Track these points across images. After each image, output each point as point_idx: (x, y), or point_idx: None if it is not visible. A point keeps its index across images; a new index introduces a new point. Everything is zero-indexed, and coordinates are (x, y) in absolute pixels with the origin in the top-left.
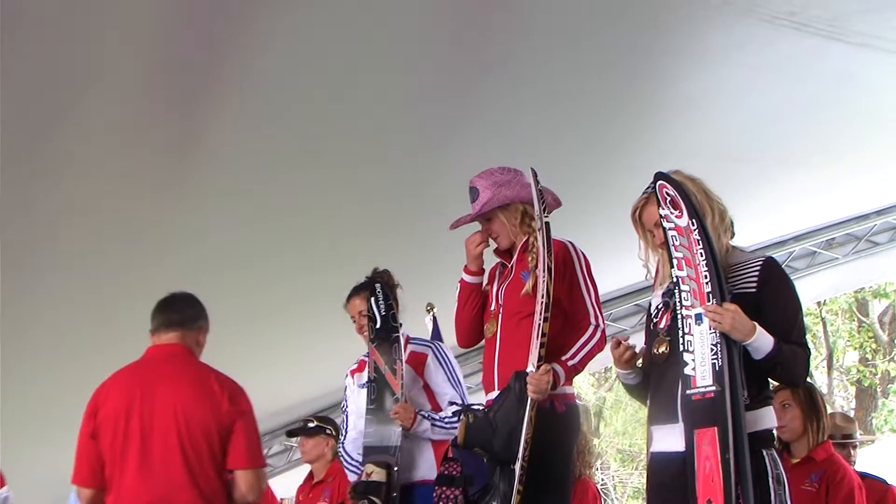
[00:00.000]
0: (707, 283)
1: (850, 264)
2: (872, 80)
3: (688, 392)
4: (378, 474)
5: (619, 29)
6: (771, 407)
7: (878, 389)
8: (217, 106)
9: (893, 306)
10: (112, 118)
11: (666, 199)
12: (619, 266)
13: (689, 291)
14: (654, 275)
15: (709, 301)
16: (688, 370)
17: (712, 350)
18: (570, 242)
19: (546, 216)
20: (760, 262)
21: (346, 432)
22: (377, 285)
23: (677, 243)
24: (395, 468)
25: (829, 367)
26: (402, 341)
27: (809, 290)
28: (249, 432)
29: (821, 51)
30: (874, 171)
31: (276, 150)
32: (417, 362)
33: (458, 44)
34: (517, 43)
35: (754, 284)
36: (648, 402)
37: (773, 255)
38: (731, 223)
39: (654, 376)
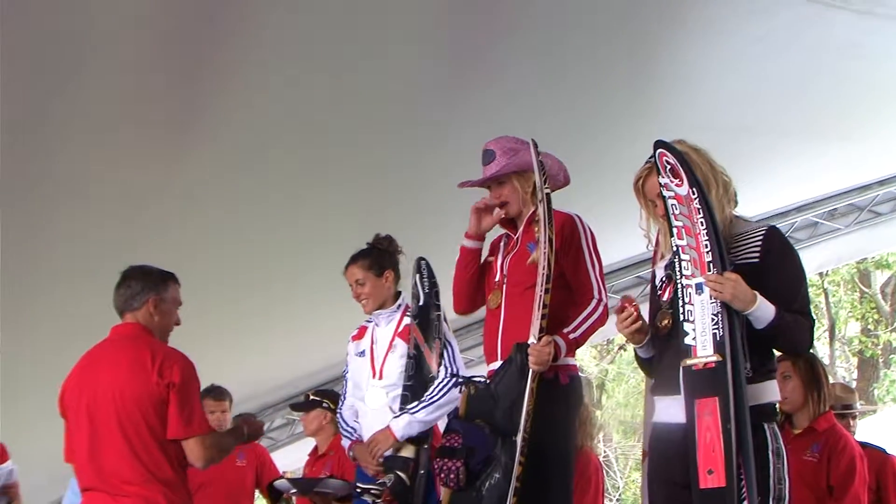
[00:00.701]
0: (708, 253)
1: (853, 234)
2: (877, 48)
3: (689, 362)
4: (408, 450)
5: (621, 2)
6: (774, 381)
7: (880, 360)
8: (217, 80)
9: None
10: (111, 91)
11: (666, 167)
12: (621, 238)
13: (689, 261)
14: (654, 245)
15: (709, 270)
16: (688, 340)
17: (713, 320)
18: (577, 216)
19: (547, 189)
20: (763, 232)
21: (345, 399)
22: (423, 262)
23: (677, 212)
24: (426, 446)
25: (832, 337)
26: (442, 319)
27: (811, 260)
28: (181, 402)
29: (824, 19)
30: (877, 141)
31: (276, 124)
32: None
33: (460, 14)
34: (518, 15)
35: (757, 254)
36: (654, 373)
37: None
38: (735, 194)
39: (658, 348)
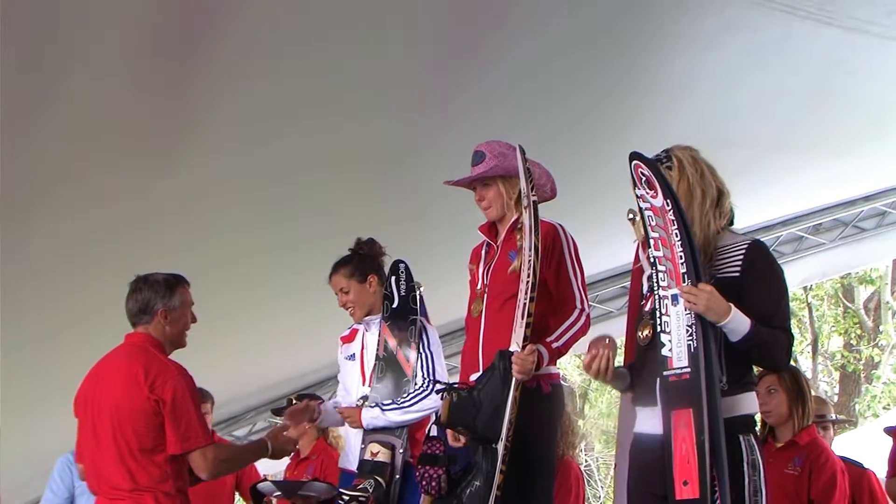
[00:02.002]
0: (682, 264)
1: (837, 249)
2: (864, 65)
3: (665, 373)
4: (383, 454)
5: (611, 10)
6: (752, 393)
7: (862, 375)
8: (209, 75)
9: (879, 292)
10: (102, 86)
11: (641, 178)
12: (605, 248)
13: (665, 272)
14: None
15: (684, 282)
16: (665, 351)
17: (688, 331)
18: (559, 225)
19: (534, 196)
20: (745, 246)
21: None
22: (402, 264)
23: (653, 223)
24: (400, 450)
25: (814, 351)
26: (420, 324)
27: (796, 274)
28: (175, 419)
29: (813, 35)
30: (862, 157)
31: (270, 122)
32: None
33: (454, 17)
34: (508, 23)
35: (738, 268)
36: (635, 384)
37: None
38: (731, 208)
39: (639, 359)
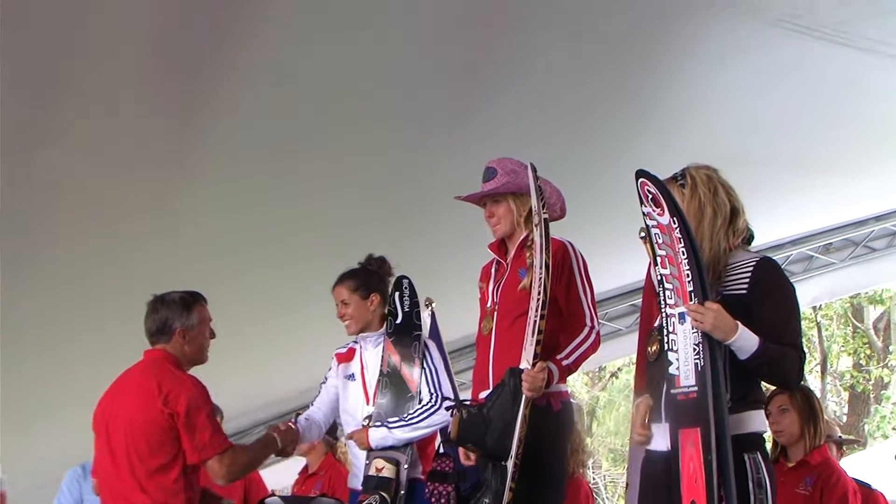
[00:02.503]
0: (689, 282)
1: (847, 269)
2: (877, 85)
3: (672, 391)
4: (388, 470)
5: (622, 30)
6: (760, 411)
7: (871, 395)
8: (216, 92)
9: (889, 313)
10: (110, 101)
11: (647, 196)
12: (615, 265)
13: (672, 290)
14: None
15: (691, 300)
16: (672, 369)
17: (695, 350)
18: (569, 242)
19: (545, 213)
20: (754, 263)
21: (311, 405)
22: (405, 280)
23: (660, 241)
24: (405, 465)
25: (823, 371)
26: (423, 339)
27: (805, 294)
28: (189, 430)
29: (825, 55)
30: (874, 177)
31: (275, 138)
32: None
33: (460, 39)
34: (518, 42)
35: (745, 285)
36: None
37: None
38: (747, 226)
39: (648, 375)
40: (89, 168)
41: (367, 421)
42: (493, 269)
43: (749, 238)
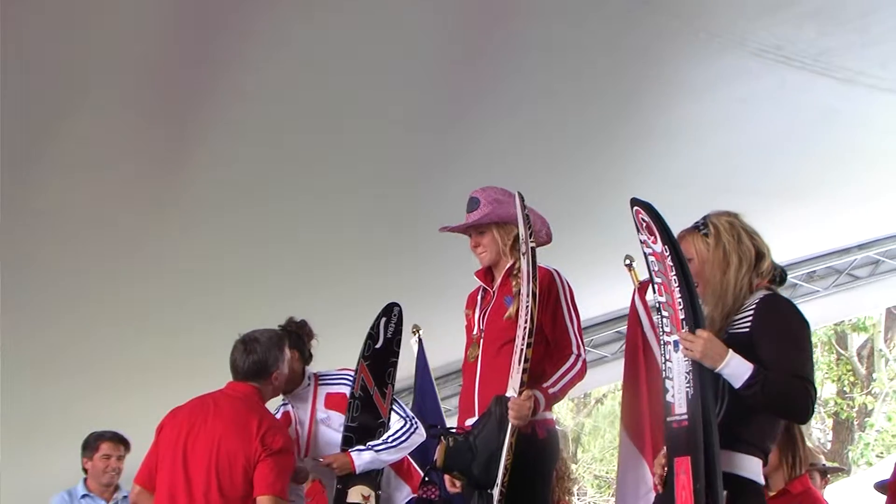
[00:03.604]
0: (682, 310)
1: (831, 297)
2: (857, 115)
3: (668, 419)
4: (373, 498)
5: (609, 61)
6: (755, 459)
7: (855, 423)
8: (211, 121)
9: (872, 340)
10: (109, 127)
11: (642, 224)
12: (601, 292)
13: (668, 317)
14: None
15: (683, 328)
16: (668, 397)
17: (685, 378)
18: (555, 270)
19: (532, 242)
20: (758, 299)
21: None
22: (396, 308)
23: (656, 269)
24: (379, 492)
25: None
26: (394, 370)
27: None
28: (273, 466)
29: (806, 85)
30: (856, 206)
31: (271, 170)
32: (340, 405)
33: (454, 72)
34: (509, 77)
35: (748, 323)
36: None
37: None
38: (772, 267)
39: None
40: (87, 200)
41: (344, 448)
42: (479, 297)
43: (778, 278)
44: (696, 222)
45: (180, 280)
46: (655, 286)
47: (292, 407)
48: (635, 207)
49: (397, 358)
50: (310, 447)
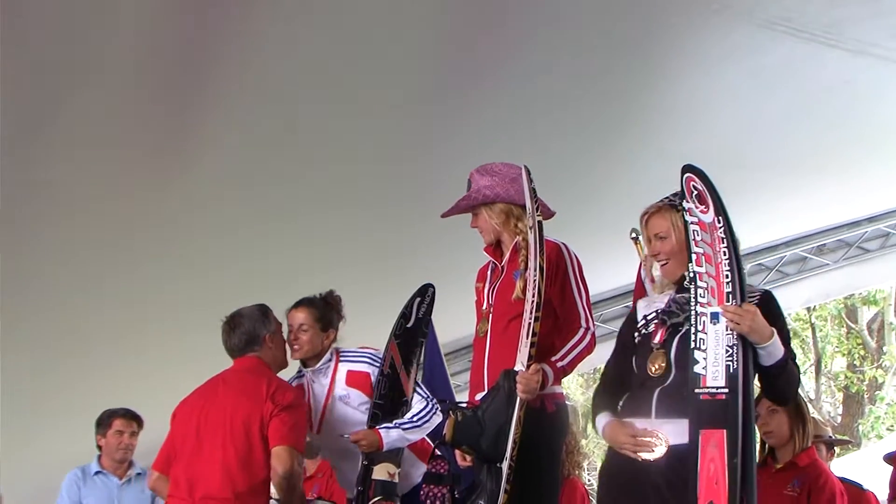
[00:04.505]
0: (728, 283)
1: (841, 270)
2: (867, 86)
3: (696, 390)
4: (397, 476)
5: (617, 34)
6: None
7: (866, 396)
8: (211, 107)
9: (882, 313)
10: (107, 115)
11: (692, 192)
12: (611, 267)
13: (706, 289)
14: (650, 279)
15: (728, 301)
16: (698, 368)
17: (727, 351)
18: (563, 244)
19: (539, 216)
20: (758, 296)
21: None
22: (431, 289)
23: (698, 238)
24: (399, 469)
25: (818, 372)
26: (421, 350)
27: (799, 295)
28: (286, 419)
29: (817, 57)
30: (866, 178)
31: (271, 153)
32: (361, 383)
33: (458, 47)
34: (516, 50)
35: None
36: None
37: (764, 260)
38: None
39: (637, 383)
40: (88, 188)
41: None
42: (489, 272)
43: None
44: (671, 199)
45: (183, 260)
46: (694, 255)
47: (309, 380)
48: (687, 174)
49: (426, 339)
50: (324, 422)
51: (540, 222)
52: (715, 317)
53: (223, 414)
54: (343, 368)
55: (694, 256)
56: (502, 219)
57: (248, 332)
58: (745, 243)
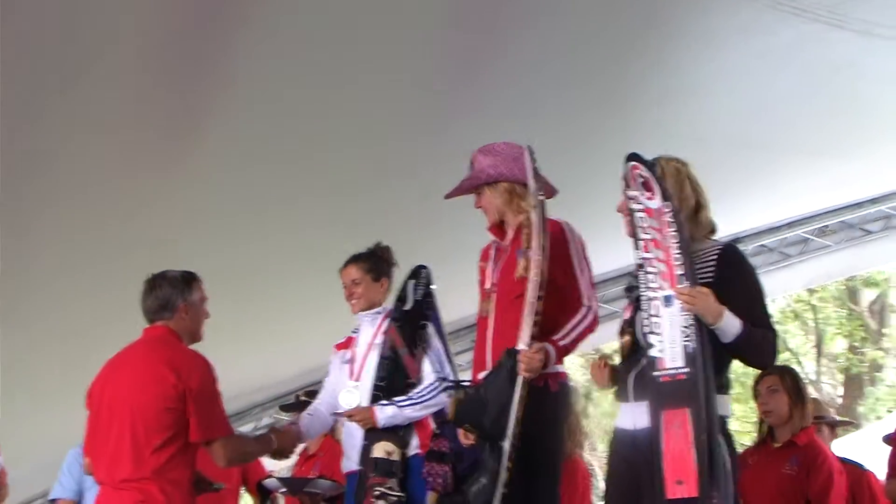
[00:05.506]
0: (679, 266)
1: (843, 252)
2: (872, 67)
3: (654, 374)
4: (397, 454)
5: (621, 13)
6: (726, 396)
7: (867, 377)
8: (215, 92)
9: (884, 295)
10: (112, 95)
11: (637, 179)
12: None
13: (657, 273)
14: None
15: (680, 283)
16: (654, 352)
17: (684, 333)
18: (565, 223)
19: (541, 194)
20: (718, 251)
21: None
22: (424, 270)
23: (645, 224)
24: (405, 450)
25: (819, 353)
26: (430, 330)
27: (801, 276)
28: (200, 407)
29: (821, 37)
30: (869, 160)
31: (275, 135)
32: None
33: (459, 29)
34: (518, 28)
35: (711, 273)
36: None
37: (767, 242)
38: (709, 221)
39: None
40: (89, 163)
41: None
42: (492, 251)
43: (711, 230)
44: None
45: (186, 244)
46: (641, 242)
47: (356, 331)
48: (632, 163)
49: (428, 321)
50: (363, 370)
51: (542, 202)
52: (667, 300)
53: (131, 391)
54: (388, 324)
55: (641, 243)
56: (505, 198)
57: (164, 297)
58: (746, 225)
